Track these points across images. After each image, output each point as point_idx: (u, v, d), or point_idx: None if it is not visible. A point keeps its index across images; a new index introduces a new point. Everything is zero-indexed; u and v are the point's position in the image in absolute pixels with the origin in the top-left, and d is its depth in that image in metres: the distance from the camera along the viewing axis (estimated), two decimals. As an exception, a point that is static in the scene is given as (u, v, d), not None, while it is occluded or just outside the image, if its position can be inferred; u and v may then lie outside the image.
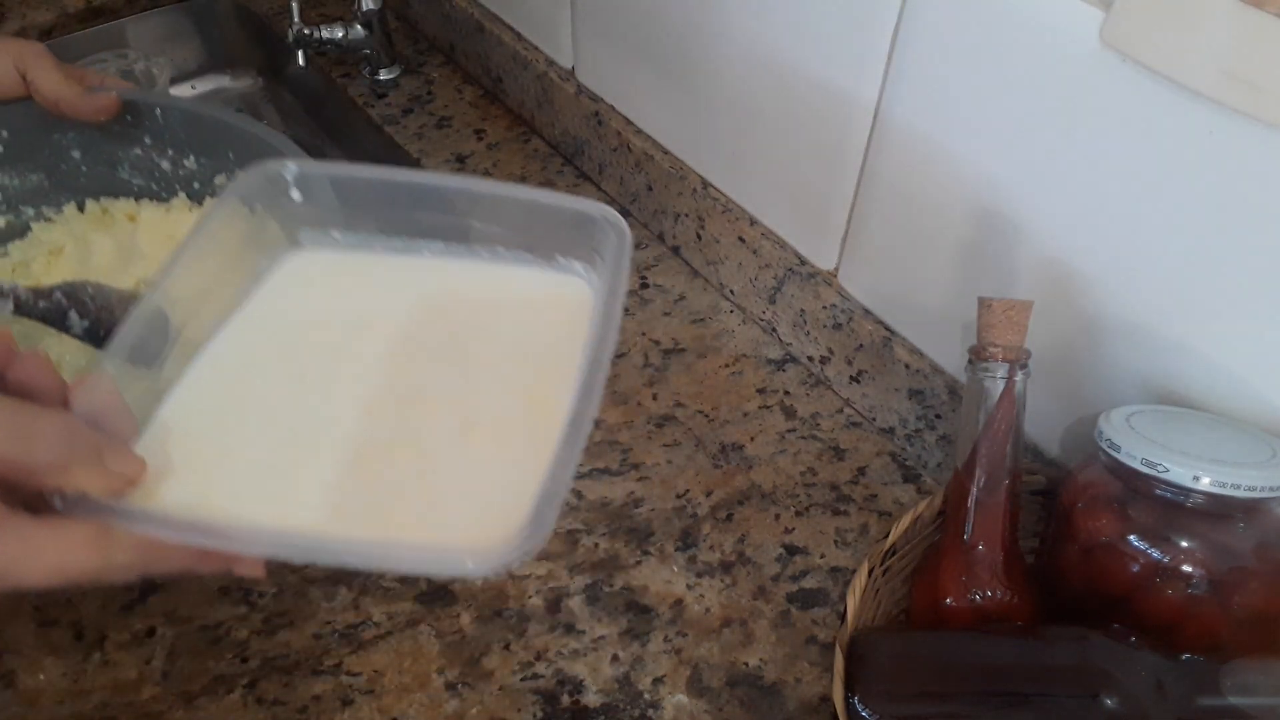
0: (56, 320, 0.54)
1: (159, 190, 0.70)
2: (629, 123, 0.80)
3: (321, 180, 0.46)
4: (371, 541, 0.37)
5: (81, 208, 0.70)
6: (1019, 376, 0.49)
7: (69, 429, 0.33)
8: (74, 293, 0.55)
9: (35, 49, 0.60)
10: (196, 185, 0.70)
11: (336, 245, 0.47)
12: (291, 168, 0.46)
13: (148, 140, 0.67)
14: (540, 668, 0.56)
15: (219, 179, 0.68)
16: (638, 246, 0.81)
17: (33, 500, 0.32)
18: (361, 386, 0.42)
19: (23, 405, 0.33)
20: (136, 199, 0.70)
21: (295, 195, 0.47)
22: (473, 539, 0.37)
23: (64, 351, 0.59)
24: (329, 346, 0.44)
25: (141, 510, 0.35)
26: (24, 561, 0.32)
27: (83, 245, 0.68)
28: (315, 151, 1.08)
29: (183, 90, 1.11)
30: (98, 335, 0.56)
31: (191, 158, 0.68)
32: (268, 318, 0.44)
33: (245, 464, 0.39)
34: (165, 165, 0.69)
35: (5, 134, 0.65)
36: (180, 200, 0.70)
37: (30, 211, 0.69)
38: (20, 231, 0.69)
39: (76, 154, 0.67)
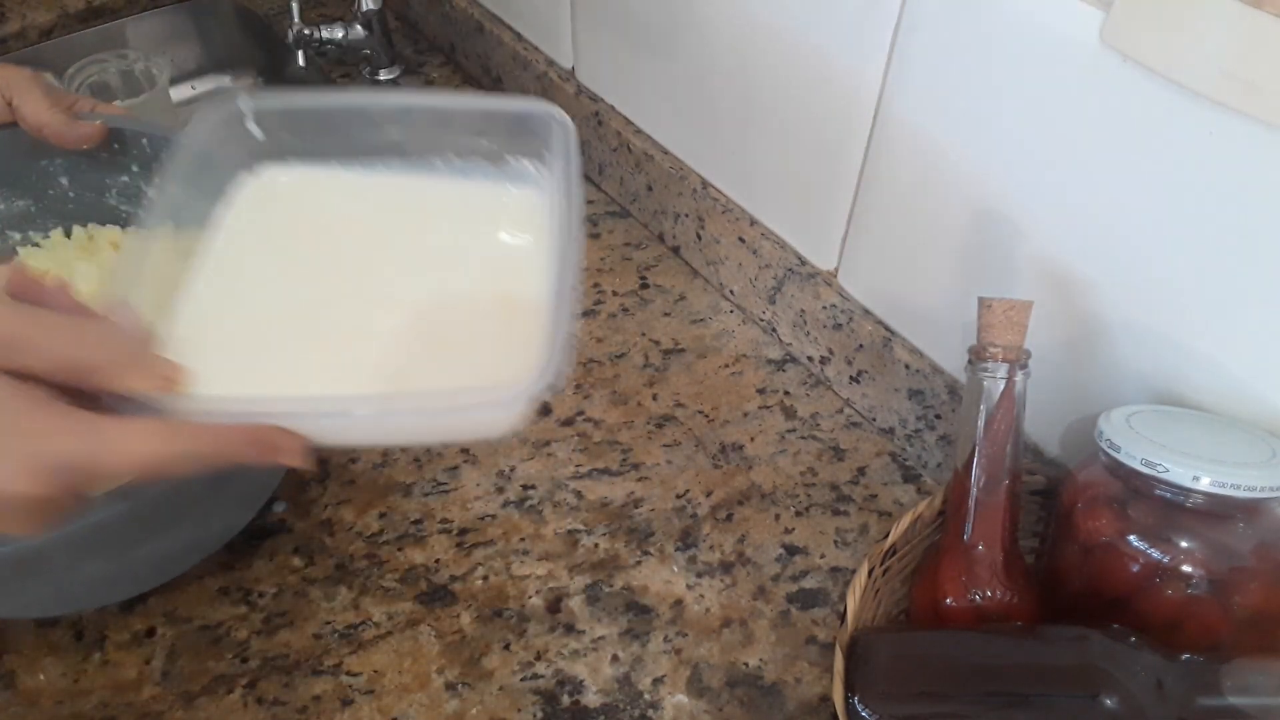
0: None
1: None
2: (629, 123, 0.80)
3: (276, 111, 0.47)
4: (409, 395, 0.40)
5: (69, 234, 0.70)
6: (1019, 376, 0.49)
7: (115, 334, 0.36)
8: None
9: (22, 76, 0.60)
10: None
11: (296, 169, 0.48)
12: (249, 102, 0.47)
13: (135, 168, 0.67)
14: (540, 668, 0.56)
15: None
16: (638, 246, 0.81)
17: (89, 405, 0.34)
18: (351, 293, 0.45)
19: (76, 317, 0.35)
20: (124, 226, 0.70)
21: (255, 131, 0.48)
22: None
23: None
24: (308, 257, 0.46)
25: (197, 400, 0.37)
26: (106, 455, 0.33)
27: (67, 273, 0.68)
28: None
29: (183, 90, 1.11)
30: None
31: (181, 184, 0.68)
32: (246, 235, 0.46)
33: (259, 366, 0.42)
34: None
35: None
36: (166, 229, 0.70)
37: (17, 236, 0.69)
38: (6, 257, 0.69)
39: (64, 180, 0.68)
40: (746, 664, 0.57)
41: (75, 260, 0.69)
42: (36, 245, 0.70)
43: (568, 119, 0.46)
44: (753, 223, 0.72)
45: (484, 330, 0.44)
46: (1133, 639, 0.43)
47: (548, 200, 0.46)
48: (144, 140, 0.66)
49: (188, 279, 0.44)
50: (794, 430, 0.68)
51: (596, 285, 0.78)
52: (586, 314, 0.75)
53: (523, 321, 0.42)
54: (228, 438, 0.36)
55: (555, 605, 0.59)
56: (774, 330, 0.74)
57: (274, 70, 1.12)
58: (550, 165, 0.47)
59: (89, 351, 0.34)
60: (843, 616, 0.49)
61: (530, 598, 0.59)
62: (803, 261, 0.69)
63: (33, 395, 0.33)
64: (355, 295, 0.45)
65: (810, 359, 0.72)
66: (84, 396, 0.34)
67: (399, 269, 0.46)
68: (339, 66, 0.99)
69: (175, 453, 0.35)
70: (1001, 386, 0.50)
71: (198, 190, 0.46)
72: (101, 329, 0.36)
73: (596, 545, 0.62)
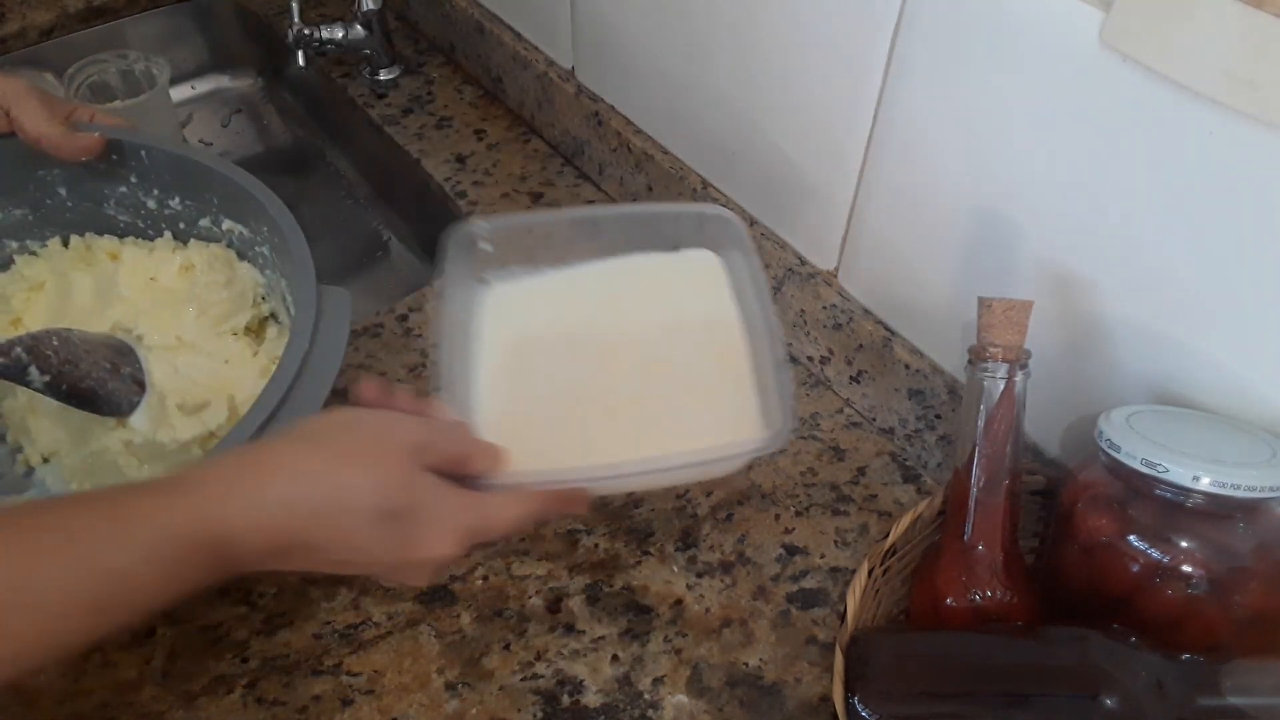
0: (16, 375, 0.55)
1: (145, 228, 0.70)
2: (629, 123, 0.80)
3: (501, 230, 0.57)
4: (675, 456, 0.49)
5: (66, 243, 0.70)
6: (1019, 376, 0.49)
7: (463, 430, 0.47)
8: (36, 347, 0.56)
9: (19, 86, 0.60)
10: (182, 225, 0.69)
11: (519, 275, 0.58)
12: (484, 226, 0.57)
13: (133, 179, 0.67)
14: (540, 668, 0.56)
15: (204, 221, 0.68)
16: (638, 246, 0.81)
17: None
18: (596, 370, 0.55)
19: (455, 422, 0.46)
20: (122, 236, 0.70)
21: (487, 248, 0.57)
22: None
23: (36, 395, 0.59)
24: (556, 345, 0.56)
25: (522, 474, 0.47)
26: (493, 523, 0.44)
27: (64, 283, 0.68)
28: (315, 151, 1.08)
29: (183, 90, 1.11)
30: (59, 389, 0.57)
31: (177, 198, 0.68)
32: (502, 336, 0.56)
33: (550, 436, 0.52)
34: (151, 204, 0.68)
35: None
36: (165, 240, 0.70)
37: (14, 245, 0.69)
38: (3, 264, 0.69)
39: (62, 190, 0.68)
40: (746, 664, 0.57)
41: (71, 270, 0.69)
42: (34, 254, 0.70)
43: (728, 211, 0.57)
44: (753, 223, 0.72)
45: (706, 389, 0.54)
46: (1133, 639, 0.43)
47: (730, 278, 0.57)
48: (142, 152, 0.65)
49: (472, 374, 0.54)
50: (794, 430, 0.68)
51: (596, 285, 0.78)
52: (586, 314, 0.75)
53: (736, 380, 0.53)
54: (549, 500, 0.46)
55: (555, 605, 0.59)
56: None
57: (274, 70, 1.13)
58: (723, 253, 0.58)
59: (460, 447, 0.45)
60: (843, 616, 0.49)
61: (530, 598, 0.59)
62: (803, 261, 0.69)
63: (442, 483, 0.43)
64: (599, 371, 0.55)
65: (810, 359, 0.72)
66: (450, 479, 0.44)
67: (625, 345, 0.56)
68: (339, 66, 0.99)
69: (525, 515, 0.45)
70: (1001, 386, 0.50)
71: (457, 300, 0.55)
72: (456, 427, 0.46)
73: (596, 545, 0.62)
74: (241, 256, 0.69)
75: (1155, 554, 0.44)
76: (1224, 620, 0.44)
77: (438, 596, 0.59)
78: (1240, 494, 0.42)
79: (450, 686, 0.55)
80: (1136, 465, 0.44)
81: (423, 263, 0.97)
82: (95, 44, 1.01)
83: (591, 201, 0.85)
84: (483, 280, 0.58)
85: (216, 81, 1.13)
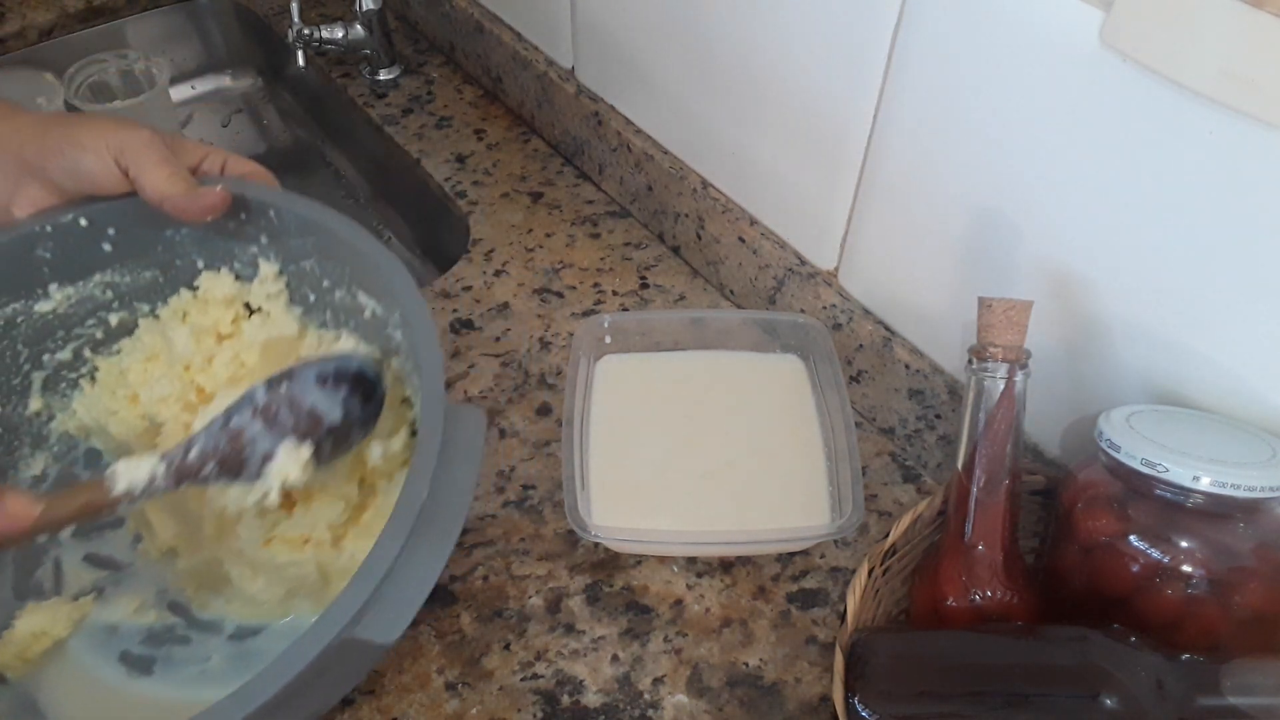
0: (209, 480, 0.50)
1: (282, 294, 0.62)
2: (629, 123, 0.80)
3: (619, 323, 0.68)
4: (750, 531, 0.60)
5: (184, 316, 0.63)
6: (1019, 376, 0.49)
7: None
8: (232, 452, 0.50)
9: (139, 140, 0.54)
10: (313, 298, 0.61)
11: (627, 357, 0.69)
12: (606, 320, 0.68)
13: (264, 239, 0.60)
14: (540, 668, 0.56)
15: (339, 292, 0.59)
16: (638, 246, 0.81)
17: None
18: (686, 441, 0.64)
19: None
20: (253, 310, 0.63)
21: (607, 340, 0.68)
22: (802, 521, 0.60)
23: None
24: (657, 418, 0.65)
25: (607, 529, 0.58)
26: None
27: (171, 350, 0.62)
28: (315, 151, 1.08)
29: (183, 90, 1.11)
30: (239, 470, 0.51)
31: (311, 260, 0.60)
32: (612, 407, 0.66)
33: (648, 492, 0.62)
34: (284, 268, 0.61)
35: (112, 231, 0.58)
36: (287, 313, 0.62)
37: (145, 308, 0.62)
38: (130, 329, 0.62)
39: (194, 253, 0.61)
40: (746, 664, 0.57)
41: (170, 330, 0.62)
42: (157, 317, 0.63)
43: (821, 324, 0.67)
44: (753, 223, 0.72)
45: (783, 471, 0.63)
46: (1133, 639, 0.43)
47: (811, 374, 0.67)
48: (271, 212, 0.58)
49: (586, 440, 0.63)
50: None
51: (596, 285, 0.78)
52: (586, 314, 0.75)
53: (810, 466, 0.63)
54: None
55: (555, 605, 0.59)
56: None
57: (274, 70, 1.13)
58: (806, 355, 0.68)
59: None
60: (843, 616, 0.49)
61: (530, 598, 0.59)
62: (803, 261, 0.69)
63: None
64: (689, 444, 0.64)
65: (810, 359, 0.72)
66: None
67: (713, 424, 0.65)
68: (339, 66, 0.99)
69: None
70: (1001, 386, 0.50)
71: (582, 371, 0.66)
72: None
73: (596, 545, 0.62)
74: (367, 339, 0.59)
75: (1155, 554, 0.44)
76: (1224, 620, 0.44)
77: (438, 596, 0.59)
78: (1240, 494, 0.42)
79: (450, 686, 0.55)
80: (1136, 465, 0.44)
81: (423, 263, 0.97)
82: (95, 44, 1.01)
83: (591, 202, 0.85)
84: (602, 355, 0.68)
85: (216, 81, 1.14)
